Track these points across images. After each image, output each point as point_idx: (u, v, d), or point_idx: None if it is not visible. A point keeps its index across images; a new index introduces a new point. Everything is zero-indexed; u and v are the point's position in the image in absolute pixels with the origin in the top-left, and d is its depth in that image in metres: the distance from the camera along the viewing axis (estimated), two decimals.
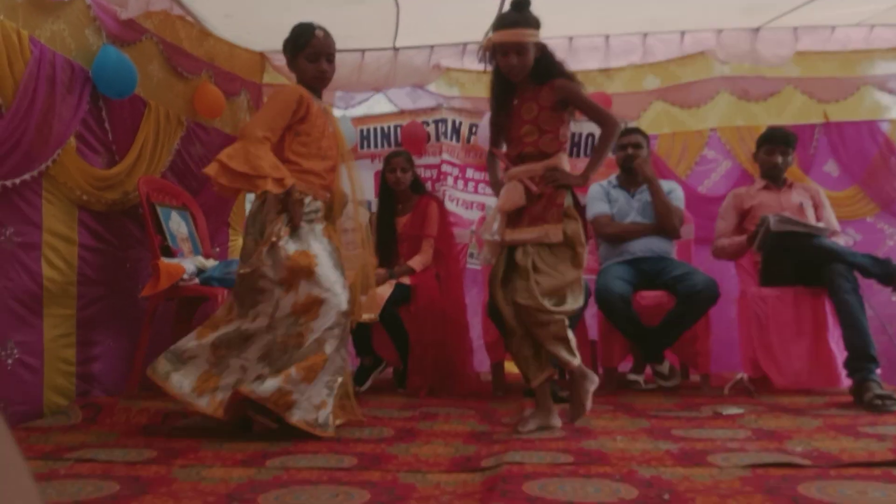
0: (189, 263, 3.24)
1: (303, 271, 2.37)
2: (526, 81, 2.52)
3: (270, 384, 2.28)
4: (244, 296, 2.43)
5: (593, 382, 2.48)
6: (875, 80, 4.63)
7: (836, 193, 4.39)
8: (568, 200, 2.49)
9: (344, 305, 2.43)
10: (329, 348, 2.38)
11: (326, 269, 2.42)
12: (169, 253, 3.31)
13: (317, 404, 2.36)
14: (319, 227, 2.51)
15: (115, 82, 3.19)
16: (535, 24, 2.46)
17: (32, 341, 2.76)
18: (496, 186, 2.67)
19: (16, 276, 2.70)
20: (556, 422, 2.47)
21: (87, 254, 3.11)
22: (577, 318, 3.33)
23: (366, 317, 2.79)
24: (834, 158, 4.65)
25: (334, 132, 2.58)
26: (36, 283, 2.79)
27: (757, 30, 4.35)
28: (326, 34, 2.52)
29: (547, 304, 2.39)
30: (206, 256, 3.47)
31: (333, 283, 2.42)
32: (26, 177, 2.73)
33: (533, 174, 2.48)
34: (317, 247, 2.44)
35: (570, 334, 2.47)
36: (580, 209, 2.54)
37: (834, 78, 4.61)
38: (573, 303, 2.45)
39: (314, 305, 2.37)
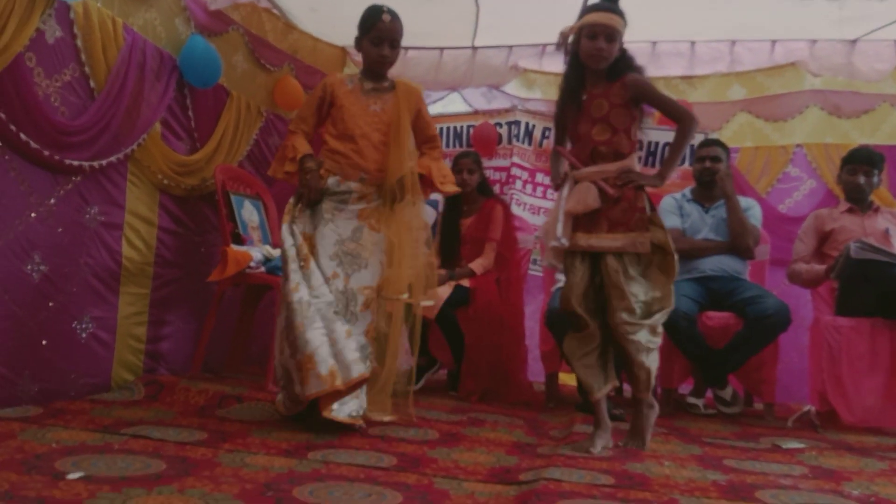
0: (257, 252, 3.34)
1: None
2: (598, 77, 2.46)
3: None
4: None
5: (656, 413, 2.47)
6: None
7: None
8: (647, 206, 2.43)
9: (301, 298, 2.39)
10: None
11: (321, 259, 2.49)
12: (239, 240, 3.42)
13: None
14: (354, 208, 2.55)
15: (201, 72, 3.31)
16: (625, 18, 2.42)
17: (107, 317, 2.91)
18: (556, 180, 2.58)
19: (97, 253, 2.85)
20: (611, 442, 2.42)
21: (166, 236, 3.25)
22: None
23: (424, 303, 2.71)
24: None
25: (384, 111, 2.59)
26: (115, 262, 2.95)
27: (854, 41, 4.12)
28: (393, 19, 2.56)
29: (642, 320, 2.37)
30: (275, 246, 3.56)
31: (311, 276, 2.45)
32: (113, 159, 2.88)
33: (606, 175, 2.40)
34: (324, 231, 2.51)
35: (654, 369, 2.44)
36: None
37: None
38: (662, 317, 2.41)
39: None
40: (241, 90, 3.72)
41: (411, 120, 2.63)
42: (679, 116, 2.46)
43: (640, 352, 2.39)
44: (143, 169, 3.08)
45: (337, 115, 2.59)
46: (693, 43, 4.35)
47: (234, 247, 3.28)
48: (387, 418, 2.58)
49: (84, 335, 2.77)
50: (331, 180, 2.54)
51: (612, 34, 2.39)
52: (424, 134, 2.71)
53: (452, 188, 2.76)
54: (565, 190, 2.46)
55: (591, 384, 2.45)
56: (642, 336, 2.38)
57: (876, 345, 3.02)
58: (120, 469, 1.76)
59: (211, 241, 3.58)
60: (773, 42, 4.27)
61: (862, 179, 3.38)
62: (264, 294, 3.71)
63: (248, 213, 3.62)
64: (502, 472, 2.01)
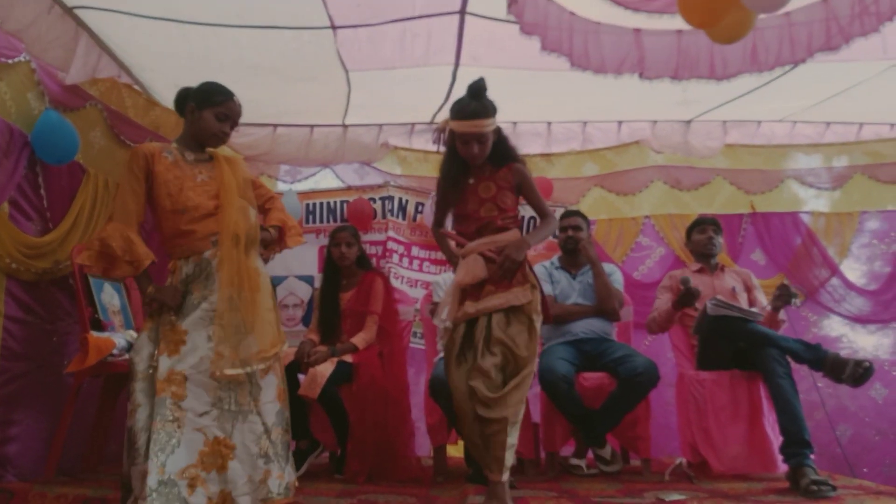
0: (120, 338, 3.10)
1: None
2: (483, 163, 2.58)
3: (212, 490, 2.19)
4: None
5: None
6: (796, 174, 4.95)
7: (762, 281, 4.55)
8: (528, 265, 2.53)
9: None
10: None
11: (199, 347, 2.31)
12: (99, 326, 3.17)
13: (261, 479, 2.26)
14: (210, 284, 2.36)
15: (55, 148, 3.12)
16: (493, 111, 2.51)
17: None
18: (454, 260, 2.63)
19: None
20: None
21: (13, 326, 2.95)
22: None
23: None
24: (760, 247, 4.88)
25: (212, 178, 2.45)
26: None
27: (689, 122, 4.61)
28: (240, 105, 2.52)
29: (493, 391, 2.35)
30: (139, 331, 3.32)
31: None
32: None
33: (493, 245, 2.50)
34: (196, 316, 2.32)
35: (511, 445, 2.38)
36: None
37: (759, 170, 4.91)
38: (526, 379, 2.41)
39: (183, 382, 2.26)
40: (99, 167, 3.52)
41: (245, 188, 2.51)
42: (545, 214, 2.65)
43: (491, 440, 2.36)
44: None
45: (161, 192, 2.37)
46: (549, 124, 4.68)
47: (95, 333, 3.03)
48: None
49: None
50: (185, 268, 2.38)
51: (482, 138, 2.51)
52: (259, 193, 2.65)
53: (300, 241, 2.70)
54: (461, 265, 2.51)
55: (486, 460, 2.44)
56: (495, 427, 2.35)
57: (736, 395, 3.27)
58: None
59: (64, 329, 3.28)
60: (620, 123, 4.68)
61: (711, 236, 3.72)
62: (126, 384, 3.43)
63: (109, 297, 3.37)
64: None
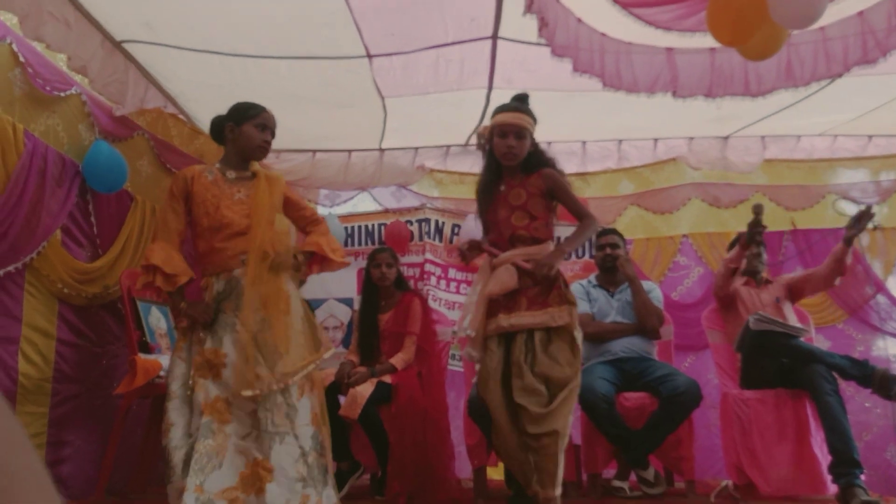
0: (166, 360, 3.18)
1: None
2: (515, 170, 2.61)
3: None
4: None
5: None
6: (838, 189, 4.84)
7: (805, 300, 4.49)
8: (562, 282, 2.53)
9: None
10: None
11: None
12: (146, 349, 3.25)
13: (299, 503, 2.25)
14: (241, 304, 2.39)
15: (105, 177, 3.24)
16: (533, 117, 2.61)
17: None
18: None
19: None
20: None
21: (65, 349, 3.05)
22: None
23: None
24: (801, 265, 4.77)
25: (250, 197, 2.50)
26: (11, 380, 2.72)
27: (726, 138, 4.57)
28: (273, 116, 2.60)
29: (542, 407, 2.34)
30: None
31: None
32: (10, 269, 2.73)
33: (526, 257, 2.51)
34: (233, 338, 2.36)
35: (561, 459, 2.38)
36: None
37: (800, 186, 4.81)
38: (570, 394, 2.40)
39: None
40: (146, 194, 3.64)
41: (280, 207, 2.57)
42: (583, 215, 2.63)
43: (539, 455, 2.36)
44: (42, 278, 2.93)
45: (199, 210, 2.47)
46: (584, 143, 4.68)
47: (142, 355, 3.11)
48: None
49: None
50: (217, 285, 2.44)
51: (521, 132, 2.56)
52: (302, 215, 2.70)
53: (343, 259, 2.71)
54: (492, 275, 2.53)
55: (528, 479, 2.44)
56: (545, 441, 2.34)
57: (781, 414, 3.20)
58: None
59: (113, 351, 3.38)
60: (656, 140, 4.66)
61: (757, 249, 3.68)
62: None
63: (156, 320, 3.46)
64: None
